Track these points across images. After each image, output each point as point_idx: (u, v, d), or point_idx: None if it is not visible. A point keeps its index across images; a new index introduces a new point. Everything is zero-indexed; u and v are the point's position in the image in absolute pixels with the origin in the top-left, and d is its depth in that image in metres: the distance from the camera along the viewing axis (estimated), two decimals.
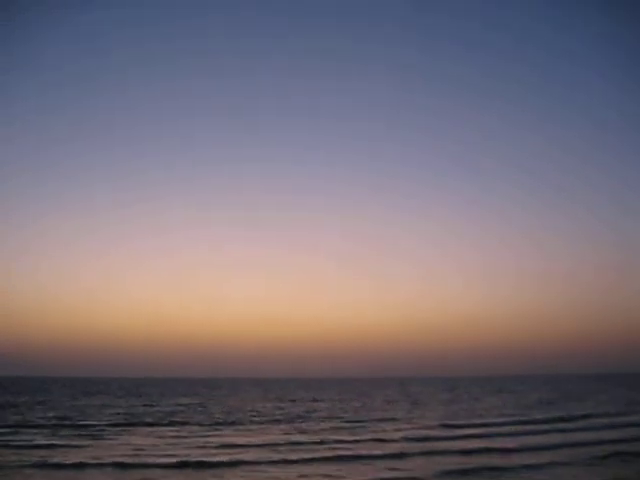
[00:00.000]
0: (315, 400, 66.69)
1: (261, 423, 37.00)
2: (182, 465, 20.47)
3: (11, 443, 25.70)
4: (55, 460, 21.38)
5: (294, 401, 64.48)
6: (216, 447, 25.33)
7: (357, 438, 28.32)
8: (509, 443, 25.74)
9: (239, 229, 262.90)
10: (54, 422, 36.42)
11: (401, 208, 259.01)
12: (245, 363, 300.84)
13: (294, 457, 22.23)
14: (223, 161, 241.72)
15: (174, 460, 21.15)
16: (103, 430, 31.96)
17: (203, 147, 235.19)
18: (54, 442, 26.36)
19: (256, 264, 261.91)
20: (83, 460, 21.23)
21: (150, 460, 21.54)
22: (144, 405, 55.26)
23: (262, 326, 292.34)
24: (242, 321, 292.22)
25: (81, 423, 35.91)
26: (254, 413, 45.50)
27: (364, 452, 23.78)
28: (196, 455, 22.73)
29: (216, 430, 32.88)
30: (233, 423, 37.18)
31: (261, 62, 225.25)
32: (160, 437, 28.97)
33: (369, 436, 29.12)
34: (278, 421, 38.36)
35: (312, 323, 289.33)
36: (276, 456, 22.60)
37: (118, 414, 43.11)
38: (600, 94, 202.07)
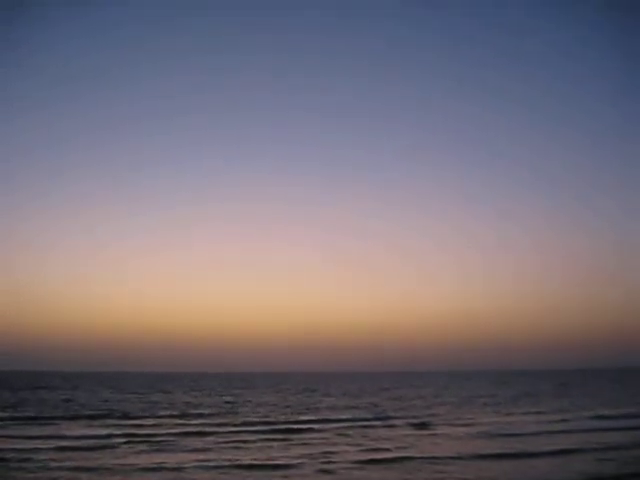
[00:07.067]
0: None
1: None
2: None
3: None
4: None
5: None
6: None
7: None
8: None
9: (237, 225, 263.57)
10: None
11: (399, 204, 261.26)
12: (242, 357, 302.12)
13: None
14: (217, 157, 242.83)
15: None
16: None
17: (192, 144, 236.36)
18: None
19: (248, 260, 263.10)
20: None
21: None
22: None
23: (256, 322, 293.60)
24: (234, 317, 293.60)
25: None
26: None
27: None
28: None
29: None
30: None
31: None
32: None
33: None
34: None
35: (305, 317, 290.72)
36: None
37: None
38: (601, 91, 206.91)
